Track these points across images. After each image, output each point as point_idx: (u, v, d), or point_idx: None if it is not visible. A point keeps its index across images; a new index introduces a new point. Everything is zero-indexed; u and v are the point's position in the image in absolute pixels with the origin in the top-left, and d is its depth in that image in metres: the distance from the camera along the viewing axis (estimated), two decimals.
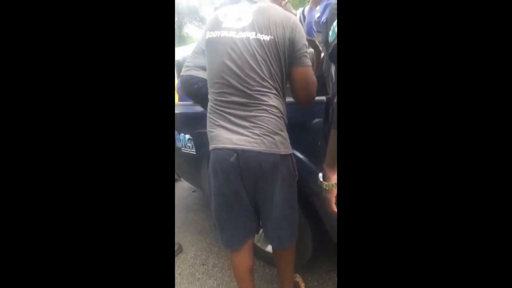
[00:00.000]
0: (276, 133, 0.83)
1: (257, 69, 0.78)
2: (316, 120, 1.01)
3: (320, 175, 0.67)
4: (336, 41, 0.54)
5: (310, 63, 0.84)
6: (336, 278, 1.27)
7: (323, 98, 1.00)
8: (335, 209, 0.66)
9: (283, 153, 0.84)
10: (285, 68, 0.84)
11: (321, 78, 1.75)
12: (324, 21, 1.44)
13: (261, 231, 1.37)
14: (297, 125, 1.06)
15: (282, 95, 0.87)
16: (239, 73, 0.78)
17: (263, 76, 0.79)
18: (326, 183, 0.65)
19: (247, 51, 0.78)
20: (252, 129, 0.80)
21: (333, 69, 0.98)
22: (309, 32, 1.67)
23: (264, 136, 0.80)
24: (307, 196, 1.10)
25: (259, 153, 0.78)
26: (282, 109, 0.87)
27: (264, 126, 0.80)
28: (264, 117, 0.81)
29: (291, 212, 0.89)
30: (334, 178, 0.65)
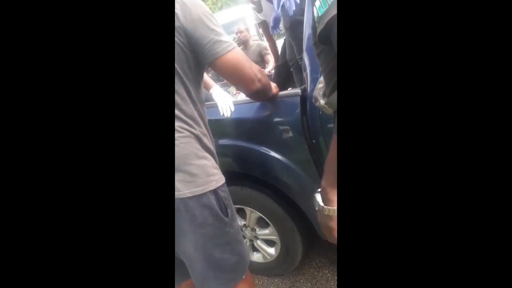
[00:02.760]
0: (178, 170, 0.62)
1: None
2: (293, 116, 0.92)
3: (318, 196, 0.49)
4: (333, 13, 0.39)
5: (231, 46, 0.63)
6: (328, 275, 1.23)
7: (298, 90, 0.91)
8: None
9: (188, 195, 0.62)
10: (190, 62, 0.64)
11: (285, 66, 1.67)
12: (285, 3, 1.33)
13: (244, 241, 1.26)
14: (267, 122, 0.96)
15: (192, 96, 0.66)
16: None
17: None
18: (328, 208, 0.47)
19: None
20: None
21: (306, 57, 0.89)
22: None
23: None
24: (290, 198, 1.02)
25: None
26: (197, 117, 0.67)
27: None
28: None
29: (221, 256, 0.69)
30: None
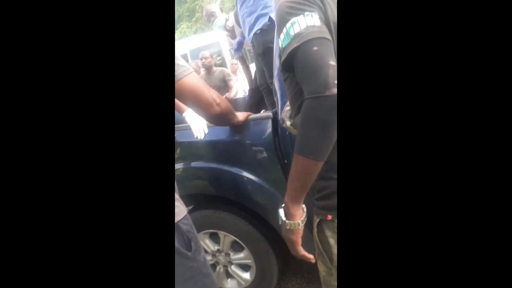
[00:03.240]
0: None
1: None
2: (265, 137, 0.95)
3: (281, 211, 0.52)
4: (294, 45, 0.45)
5: (187, 71, 0.63)
6: None
7: (270, 113, 0.95)
8: (303, 252, 0.54)
9: None
10: None
11: (258, 90, 1.74)
12: (258, 32, 1.42)
13: (218, 267, 1.21)
14: (240, 144, 0.98)
15: None
16: None
17: None
18: (290, 222, 0.51)
19: None
20: None
21: (276, 82, 0.94)
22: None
23: None
24: (264, 219, 1.02)
25: None
26: None
27: None
28: None
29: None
30: (299, 215, 0.51)
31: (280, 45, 0.49)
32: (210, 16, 1.93)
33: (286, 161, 0.93)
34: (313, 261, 0.56)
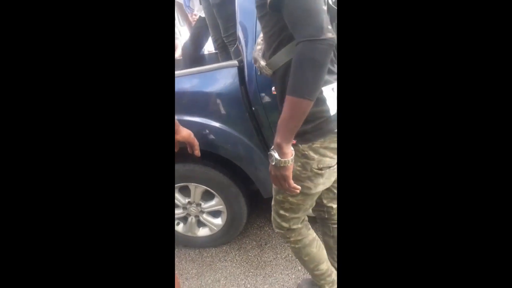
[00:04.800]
0: None
1: None
2: (231, 86, 0.98)
3: (274, 153, 0.56)
4: None
5: None
6: (269, 231, 1.40)
7: (235, 62, 0.97)
8: (294, 184, 0.59)
9: None
10: None
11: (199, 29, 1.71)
12: None
13: (190, 218, 1.27)
14: (206, 94, 0.99)
15: None
16: None
17: None
18: (284, 159, 0.55)
19: None
20: None
21: (240, 30, 0.95)
22: None
23: None
24: (233, 165, 1.09)
25: None
26: None
27: None
28: None
29: None
30: (290, 153, 0.55)
31: None
32: None
33: (253, 109, 0.99)
34: (298, 191, 0.61)
